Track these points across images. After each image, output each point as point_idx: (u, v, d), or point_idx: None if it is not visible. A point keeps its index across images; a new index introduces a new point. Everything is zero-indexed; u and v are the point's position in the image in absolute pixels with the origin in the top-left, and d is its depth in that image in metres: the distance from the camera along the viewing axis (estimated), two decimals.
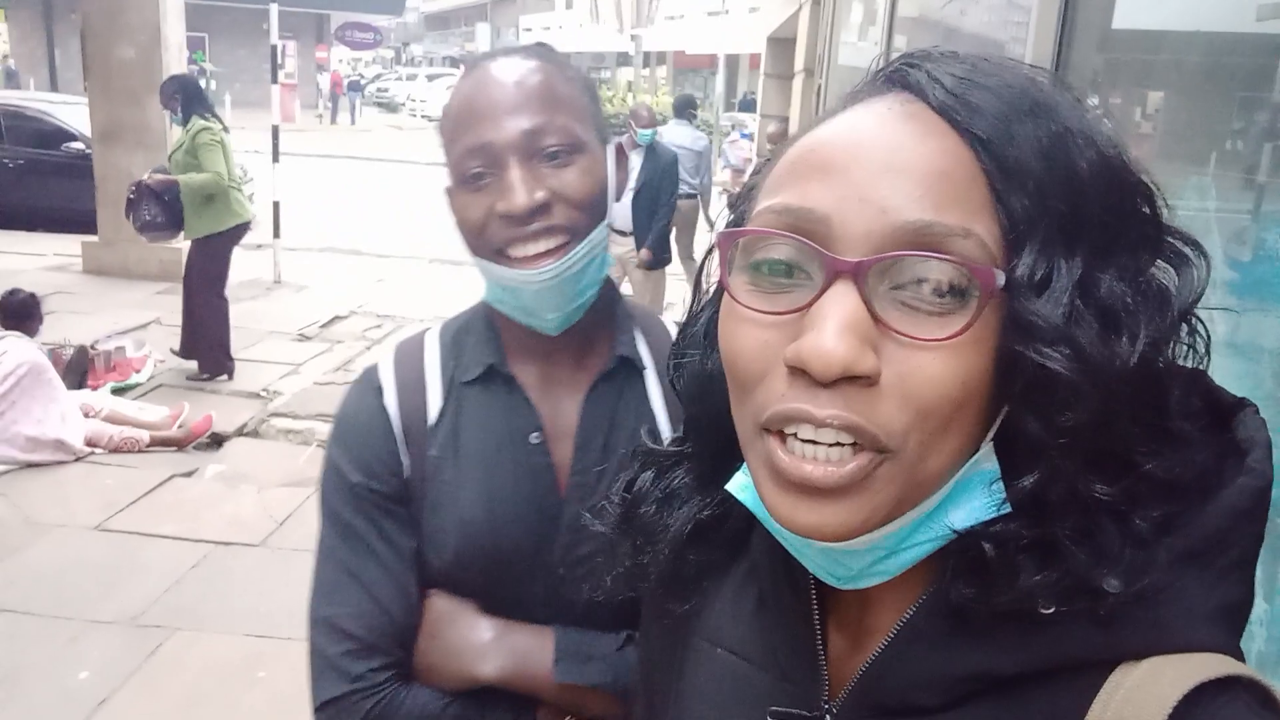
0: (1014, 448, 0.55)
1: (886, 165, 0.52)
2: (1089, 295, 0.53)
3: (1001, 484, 0.55)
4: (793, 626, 0.66)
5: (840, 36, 4.80)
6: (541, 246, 1.05)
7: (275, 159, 8.96)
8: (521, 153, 1.04)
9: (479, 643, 1.10)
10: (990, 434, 0.56)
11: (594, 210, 1.08)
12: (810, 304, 0.52)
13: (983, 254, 0.52)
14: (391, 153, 21.15)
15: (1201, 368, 0.58)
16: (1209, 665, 0.51)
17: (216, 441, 5.38)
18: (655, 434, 1.06)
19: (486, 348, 1.16)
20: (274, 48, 9.27)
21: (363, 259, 10.25)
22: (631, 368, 1.17)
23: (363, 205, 9.56)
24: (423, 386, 1.16)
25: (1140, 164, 0.57)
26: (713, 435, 0.68)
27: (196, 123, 5.89)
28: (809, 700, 0.64)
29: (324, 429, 5.59)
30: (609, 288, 1.19)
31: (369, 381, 1.18)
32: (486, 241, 1.06)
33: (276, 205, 8.76)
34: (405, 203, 13.04)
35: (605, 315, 1.17)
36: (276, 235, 8.84)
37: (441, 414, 1.15)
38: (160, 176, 5.93)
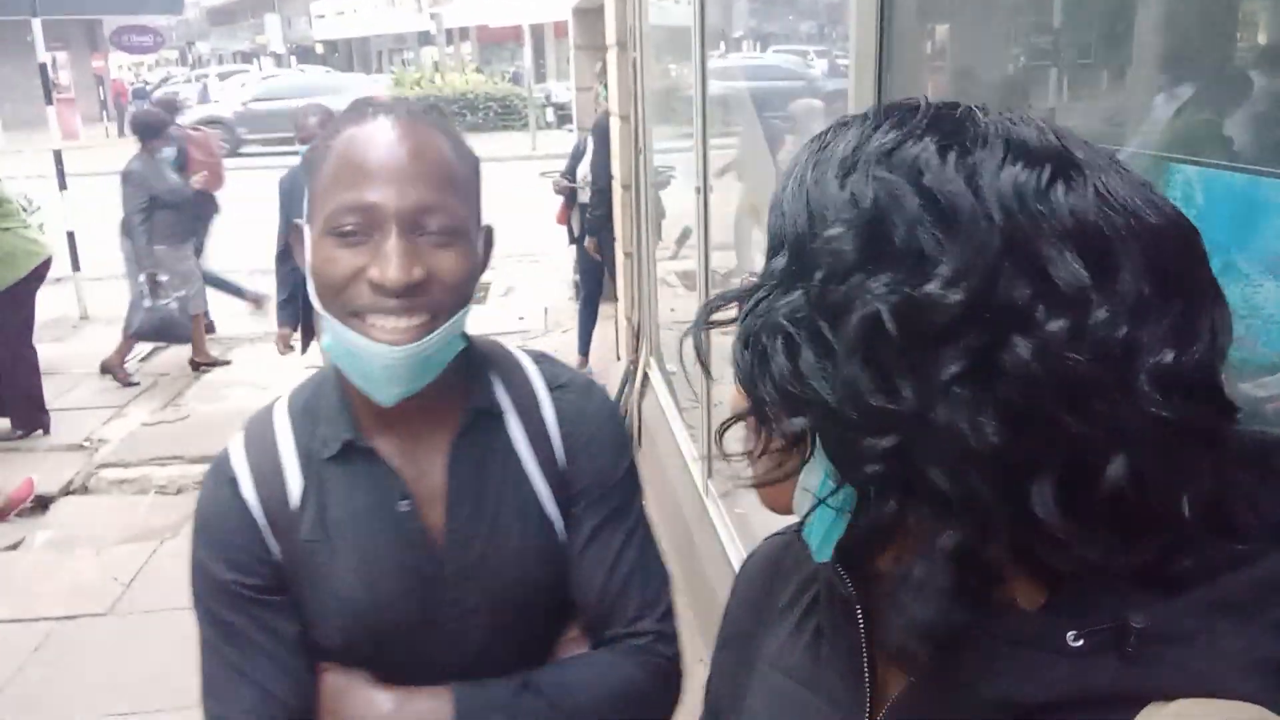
0: None
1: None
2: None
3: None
4: (843, 652, 0.70)
5: (649, 2, 4.73)
6: (404, 323, 1.01)
7: (62, 185, 8.28)
8: (406, 225, 1.00)
9: (378, 715, 1.10)
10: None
11: (463, 295, 1.06)
12: None
13: None
14: None
15: None
16: (1238, 711, 0.51)
17: (42, 505, 4.92)
18: (523, 477, 1.15)
19: (341, 421, 1.12)
20: (42, 65, 8.54)
21: None
22: (491, 417, 1.15)
23: None
24: (279, 469, 1.13)
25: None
26: None
27: None
28: None
29: (161, 474, 5.23)
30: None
31: (221, 472, 1.14)
32: (344, 302, 1.02)
33: (71, 235, 8.10)
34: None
35: (458, 367, 1.13)
36: (76, 268, 8.18)
37: (305, 494, 1.12)
38: None
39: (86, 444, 5.58)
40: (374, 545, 1.11)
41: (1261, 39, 1.18)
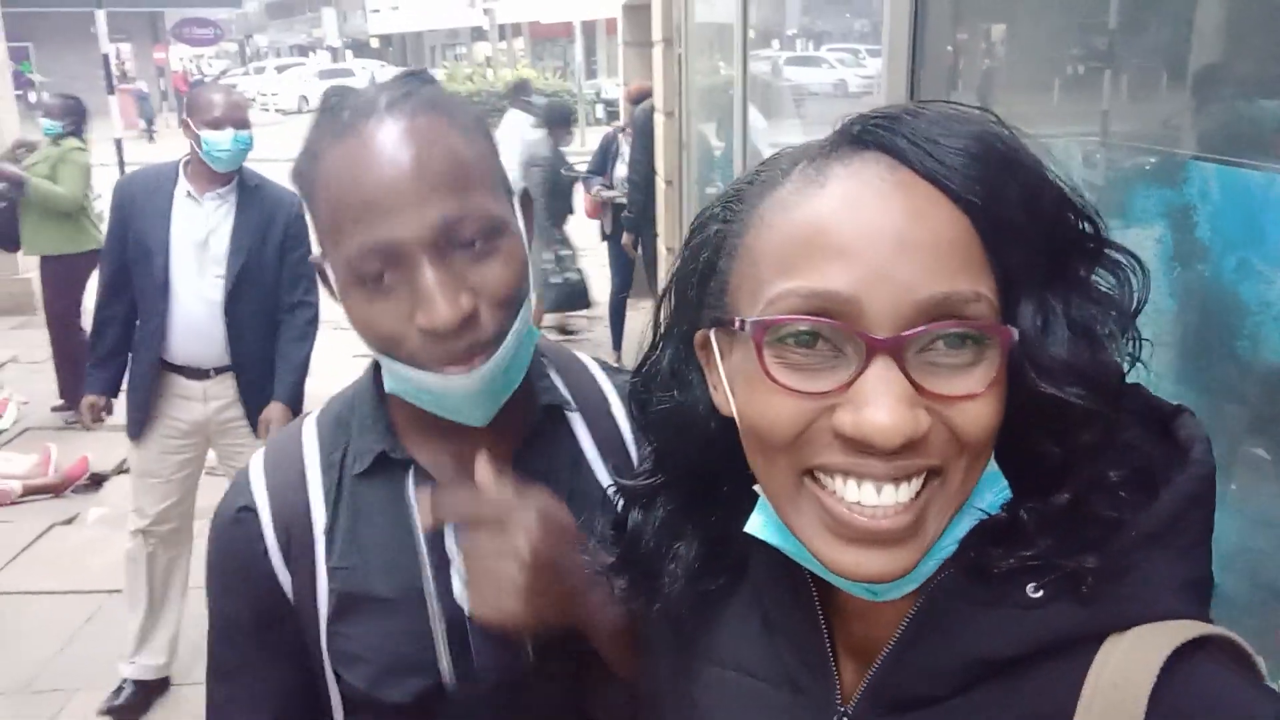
0: (1023, 456, 0.62)
1: (899, 243, 0.57)
2: (1072, 322, 0.60)
3: (1003, 480, 0.63)
4: (802, 641, 0.70)
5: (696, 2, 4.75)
6: (468, 356, 0.89)
7: (122, 172, 8.47)
8: (437, 250, 0.85)
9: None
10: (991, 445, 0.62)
11: (520, 292, 0.91)
12: (853, 381, 0.57)
13: (991, 311, 0.58)
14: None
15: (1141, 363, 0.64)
16: (1186, 629, 0.57)
17: (96, 482, 5.09)
18: (593, 480, 1.05)
19: (375, 431, 1.00)
20: (105, 56, 8.75)
21: None
22: (558, 415, 1.05)
23: None
24: (303, 490, 1.01)
25: (1073, 184, 0.62)
26: (688, 467, 0.74)
27: (71, 142, 5.55)
28: (823, 707, 0.68)
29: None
30: None
31: (239, 489, 1.03)
32: (401, 353, 0.89)
33: None
34: None
35: None
36: None
37: (335, 517, 0.99)
38: (10, 168, 5.41)
39: None
40: (411, 573, 0.97)
41: None
